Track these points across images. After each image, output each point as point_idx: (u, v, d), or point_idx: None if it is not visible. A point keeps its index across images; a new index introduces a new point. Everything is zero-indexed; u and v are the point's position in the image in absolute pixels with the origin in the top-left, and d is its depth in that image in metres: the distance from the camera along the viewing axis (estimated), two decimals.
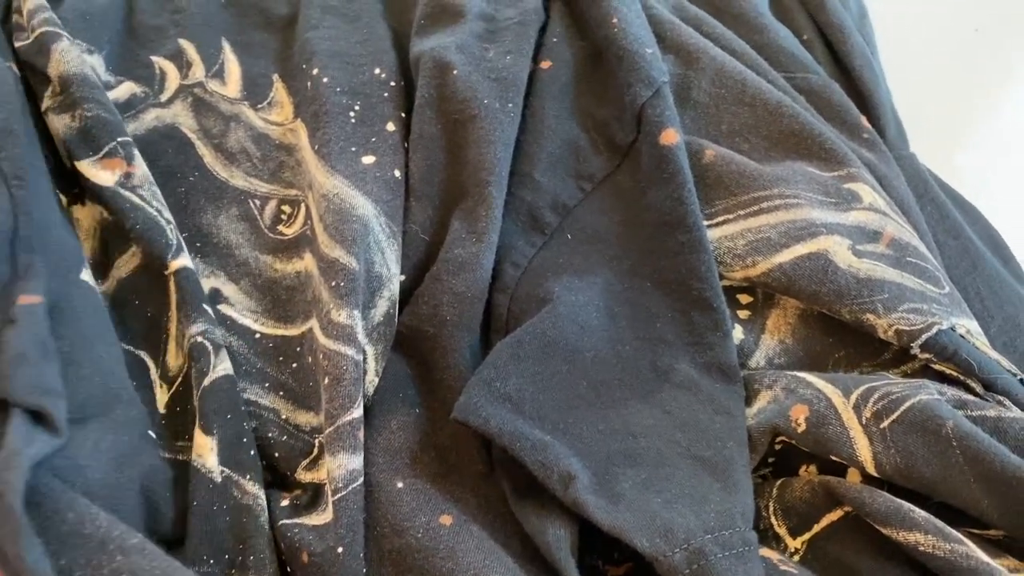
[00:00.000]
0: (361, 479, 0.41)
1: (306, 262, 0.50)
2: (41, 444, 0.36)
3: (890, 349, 0.47)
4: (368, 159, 0.50)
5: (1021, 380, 0.45)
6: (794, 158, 0.52)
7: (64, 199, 0.50)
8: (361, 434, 0.42)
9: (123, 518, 0.36)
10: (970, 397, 0.42)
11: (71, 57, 0.50)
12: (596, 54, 0.54)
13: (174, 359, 0.46)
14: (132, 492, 0.40)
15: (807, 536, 0.42)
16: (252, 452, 0.43)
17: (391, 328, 0.47)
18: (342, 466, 0.41)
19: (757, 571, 0.37)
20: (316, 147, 0.51)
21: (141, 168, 0.49)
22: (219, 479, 0.41)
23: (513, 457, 0.41)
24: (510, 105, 0.51)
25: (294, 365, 0.47)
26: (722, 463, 0.41)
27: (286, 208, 0.53)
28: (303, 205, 0.52)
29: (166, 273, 0.47)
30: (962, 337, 0.45)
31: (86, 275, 0.46)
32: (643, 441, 0.42)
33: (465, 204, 0.49)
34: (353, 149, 0.51)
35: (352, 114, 0.52)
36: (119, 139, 0.49)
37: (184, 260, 0.47)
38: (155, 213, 0.48)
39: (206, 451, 0.42)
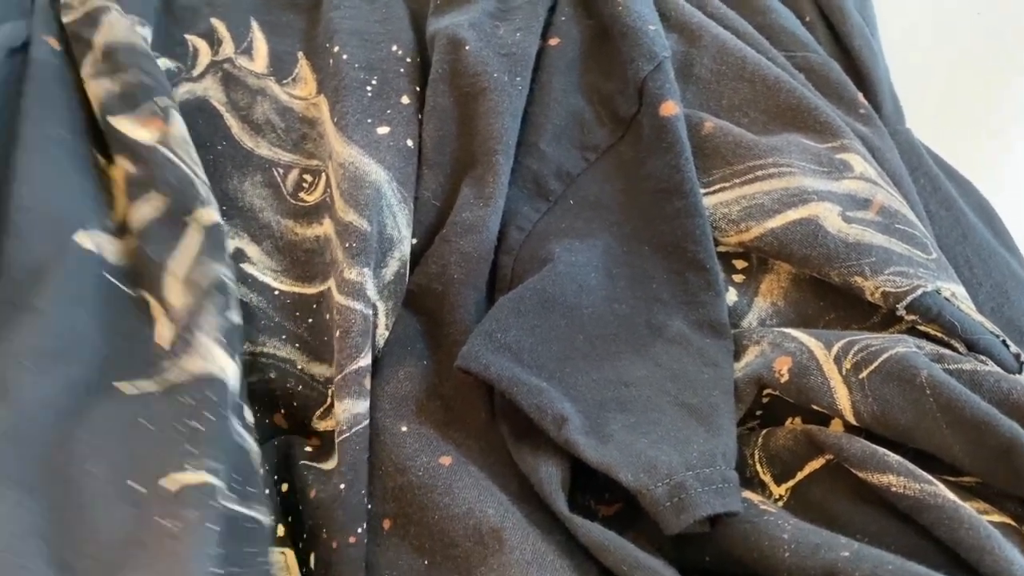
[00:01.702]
0: (365, 423, 0.44)
1: (325, 227, 0.53)
2: None
3: (879, 312, 0.48)
4: (383, 129, 0.53)
5: (1003, 342, 0.46)
6: (790, 131, 0.53)
7: (103, 160, 0.53)
8: (367, 382, 0.45)
9: None
10: (947, 352, 0.43)
11: (120, 27, 0.53)
12: (602, 32, 0.56)
13: (176, 298, 0.46)
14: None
15: (791, 483, 0.43)
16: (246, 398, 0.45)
17: (401, 286, 0.49)
18: (347, 410, 0.44)
19: (735, 506, 0.39)
20: (335, 119, 0.54)
21: (177, 128, 0.51)
22: (238, 400, 0.43)
23: (512, 403, 0.44)
24: (518, 79, 0.53)
25: (310, 320, 0.50)
26: (707, 409, 0.43)
27: (307, 177, 0.55)
28: (323, 175, 0.55)
29: (186, 219, 0.48)
30: (947, 300, 0.47)
31: (90, 241, 0.47)
32: (634, 390, 0.44)
33: (474, 172, 0.52)
34: (369, 121, 0.53)
35: (369, 88, 0.55)
36: (157, 99, 0.52)
37: (216, 215, 0.48)
38: (188, 171, 0.50)
39: (230, 372, 0.42)
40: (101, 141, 0.53)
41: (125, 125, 0.51)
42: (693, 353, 0.46)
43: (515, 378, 0.43)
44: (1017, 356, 0.46)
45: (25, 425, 0.40)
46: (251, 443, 0.43)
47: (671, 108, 0.51)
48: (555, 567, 0.38)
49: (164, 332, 0.46)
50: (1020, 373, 0.46)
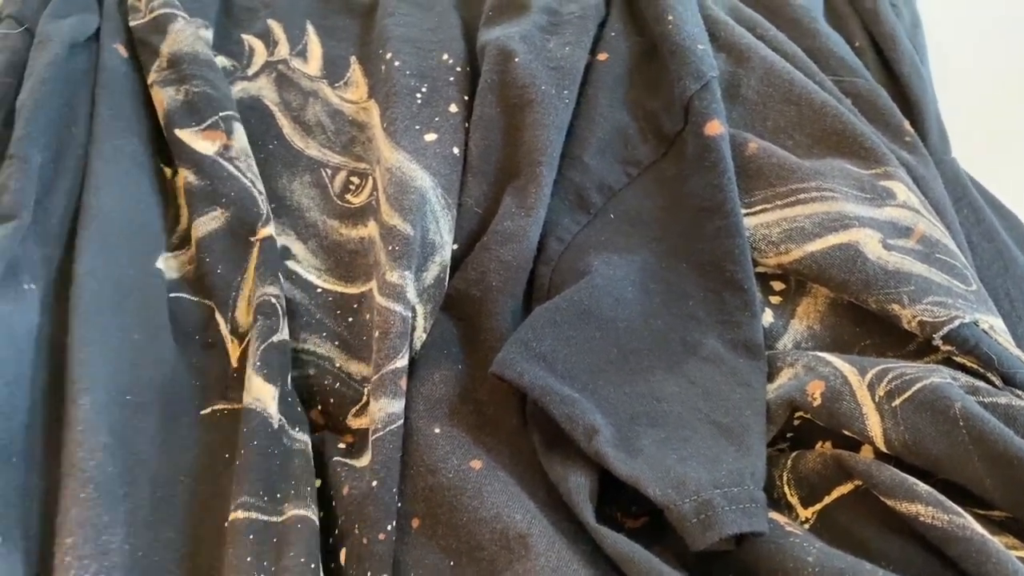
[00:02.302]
0: (400, 422, 0.44)
1: (370, 229, 0.54)
2: None
3: (915, 341, 0.48)
4: (430, 136, 0.54)
5: None
6: (835, 155, 0.53)
7: (168, 171, 0.54)
8: (403, 383, 0.46)
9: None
10: (983, 384, 0.43)
11: (185, 36, 0.55)
12: (651, 50, 0.56)
13: (244, 316, 0.49)
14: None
15: (818, 507, 0.43)
16: (299, 408, 0.47)
17: (441, 291, 0.50)
18: (383, 409, 0.45)
19: (761, 526, 0.39)
20: (384, 124, 0.55)
21: (240, 141, 0.54)
22: (276, 425, 0.44)
23: (543, 412, 0.44)
24: (565, 92, 0.54)
25: (350, 319, 0.51)
26: (738, 429, 0.43)
27: (355, 179, 0.56)
28: (371, 178, 0.56)
29: (252, 239, 0.51)
30: (984, 332, 0.46)
31: (160, 261, 0.50)
32: (665, 406, 0.45)
33: (517, 182, 0.52)
34: (417, 127, 0.54)
35: (419, 95, 0.56)
36: (222, 113, 0.54)
37: (271, 229, 0.51)
38: (249, 184, 0.52)
39: (268, 399, 0.45)
40: (165, 150, 0.55)
41: (189, 137, 0.53)
42: (726, 372, 0.46)
43: (548, 387, 0.44)
44: None
45: (144, 472, 0.43)
46: (299, 445, 0.45)
47: (716, 127, 0.52)
48: (577, 574, 0.39)
49: (233, 352, 0.49)
50: None
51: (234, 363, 0.48)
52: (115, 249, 0.49)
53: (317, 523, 0.42)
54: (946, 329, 0.46)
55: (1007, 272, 0.52)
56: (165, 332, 0.48)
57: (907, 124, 0.56)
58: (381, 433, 0.44)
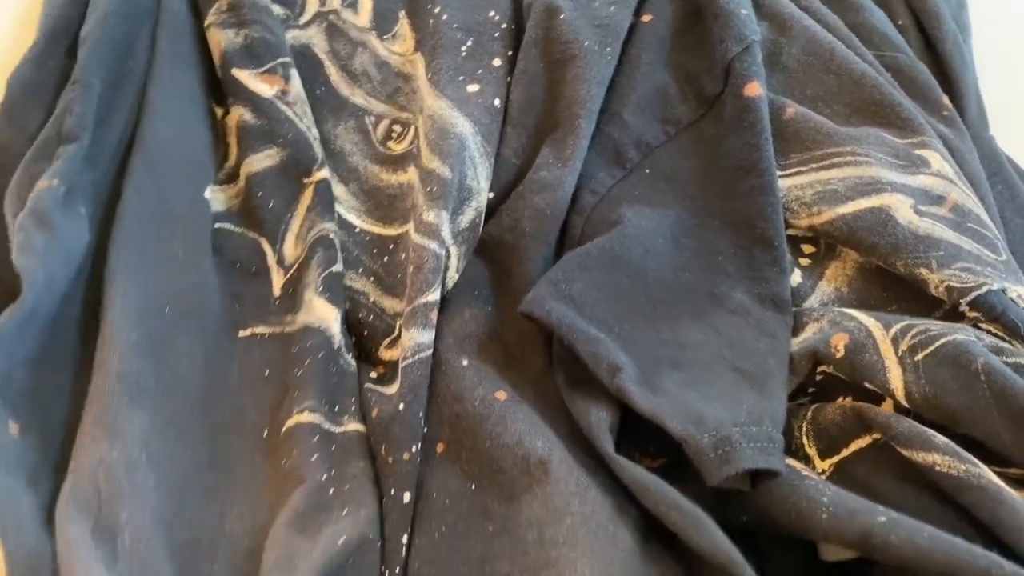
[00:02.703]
0: (428, 352, 0.46)
1: (409, 175, 0.55)
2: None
3: (942, 308, 0.48)
4: (473, 87, 0.55)
5: None
6: (872, 124, 0.53)
7: (220, 111, 0.56)
8: (434, 315, 0.47)
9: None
10: (1007, 345, 0.43)
11: None
12: (695, 12, 0.57)
13: (291, 249, 0.51)
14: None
15: (835, 459, 0.44)
16: (347, 333, 0.49)
17: (475, 234, 0.51)
18: (413, 339, 0.46)
19: (778, 465, 0.39)
20: (430, 75, 0.56)
21: (296, 88, 0.56)
22: (336, 345, 0.47)
23: (569, 352, 0.45)
24: (608, 49, 0.55)
25: (386, 259, 0.52)
26: (760, 375, 0.43)
27: (397, 127, 0.58)
28: (413, 127, 0.57)
29: (306, 180, 0.53)
30: (1012, 300, 0.46)
31: (208, 192, 0.52)
32: (690, 352, 0.45)
33: (556, 134, 0.53)
34: (461, 78, 0.55)
35: (464, 48, 0.57)
36: (280, 59, 0.56)
37: (325, 172, 0.53)
38: (304, 129, 0.54)
39: (331, 320, 0.47)
40: (217, 90, 0.57)
41: (247, 78, 0.55)
42: (752, 324, 0.46)
43: (574, 326, 0.44)
44: None
45: (172, 377, 0.45)
46: (345, 368, 0.47)
47: (755, 89, 0.52)
48: (596, 501, 0.39)
49: (277, 281, 0.50)
50: None
51: (276, 292, 0.50)
52: (165, 175, 0.51)
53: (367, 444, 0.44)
54: (973, 295, 0.46)
55: None
56: (207, 256, 0.50)
57: (946, 99, 0.56)
58: (410, 360, 0.45)
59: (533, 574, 0.38)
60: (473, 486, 0.42)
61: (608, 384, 0.43)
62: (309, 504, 0.40)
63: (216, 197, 0.53)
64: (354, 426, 0.44)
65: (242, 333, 0.48)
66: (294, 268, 0.51)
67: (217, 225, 0.52)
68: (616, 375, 0.43)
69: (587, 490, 0.40)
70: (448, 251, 0.49)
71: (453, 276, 0.50)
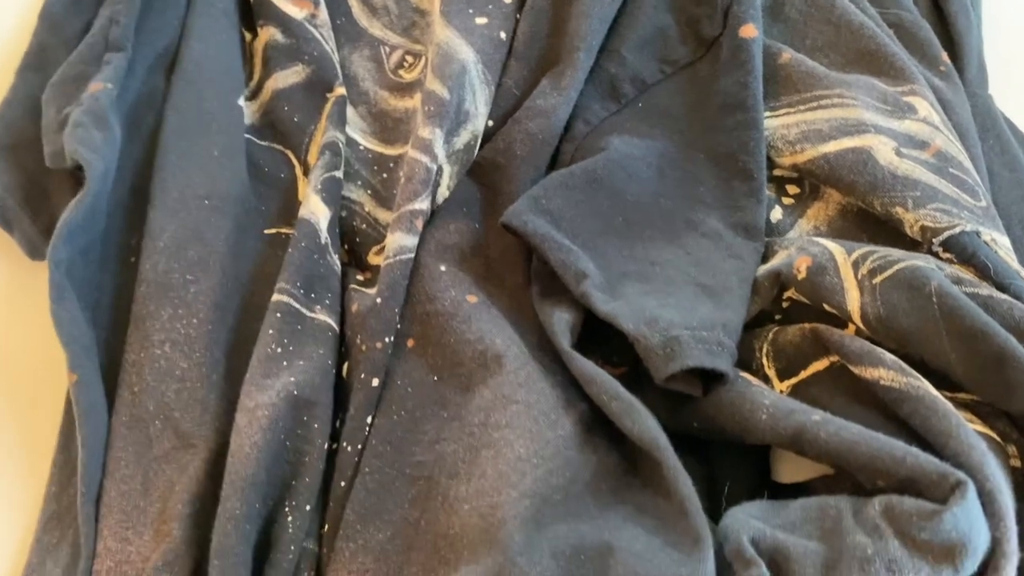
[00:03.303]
0: (410, 255, 0.48)
1: (415, 101, 0.57)
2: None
3: (920, 250, 0.49)
4: (481, 20, 0.57)
5: None
6: (865, 73, 0.54)
7: (248, 36, 0.60)
8: (419, 223, 0.49)
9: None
10: (968, 276, 0.44)
11: None
12: None
13: (314, 158, 0.54)
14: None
15: (793, 381, 0.45)
16: (338, 235, 0.51)
17: (469, 156, 0.53)
18: (396, 241, 0.48)
19: (724, 366, 0.41)
20: (442, 8, 0.58)
21: (324, 14, 0.59)
22: (323, 241, 0.49)
23: (545, 266, 0.47)
24: None
25: (384, 175, 0.54)
26: (720, 290, 0.45)
27: (409, 58, 0.60)
28: (424, 58, 0.59)
29: (328, 95, 0.55)
30: (985, 243, 0.47)
31: (241, 100, 0.56)
32: (658, 268, 0.47)
33: (556, 68, 0.55)
34: (470, 11, 0.57)
35: None
36: None
37: (342, 89, 0.56)
38: (329, 50, 0.57)
39: (321, 217, 0.49)
40: (246, 16, 0.60)
41: (280, 1, 0.58)
42: (722, 247, 0.47)
43: (548, 235, 0.46)
44: None
45: (217, 261, 0.48)
46: (330, 265, 0.49)
47: (751, 31, 0.53)
48: (543, 392, 0.41)
49: (302, 187, 0.54)
50: None
51: (301, 196, 0.53)
52: (202, 86, 0.54)
53: (337, 342, 0.46)
54: (946, 234, 0.46)
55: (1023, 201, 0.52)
56: (242, 156, 0.53)
57: (944, 56, 0.56)
58: (391, 260, 0.47)
59: (475, 452, 0.40)
60: (435, 377, 0.44)
61: (573, 289, 0.44)
62: (258, 370, 0.43)
63: (247, 109, 0.56)
64: (324, 317, 0.46)
65: (268, 231, 0.51)
66: (311, 172, 0.53)
67: (247, 136, 0.55)
68: (581, 282, 0.44)
69: (535, 382, 0.41)
70: (441, 168, 0.51)
71: (444, 192, 0.52)
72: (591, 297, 0.43)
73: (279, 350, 0.44)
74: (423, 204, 0.49)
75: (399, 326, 0.47)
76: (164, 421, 0.44)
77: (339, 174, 0.52)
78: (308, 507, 0.41)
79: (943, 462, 0.34)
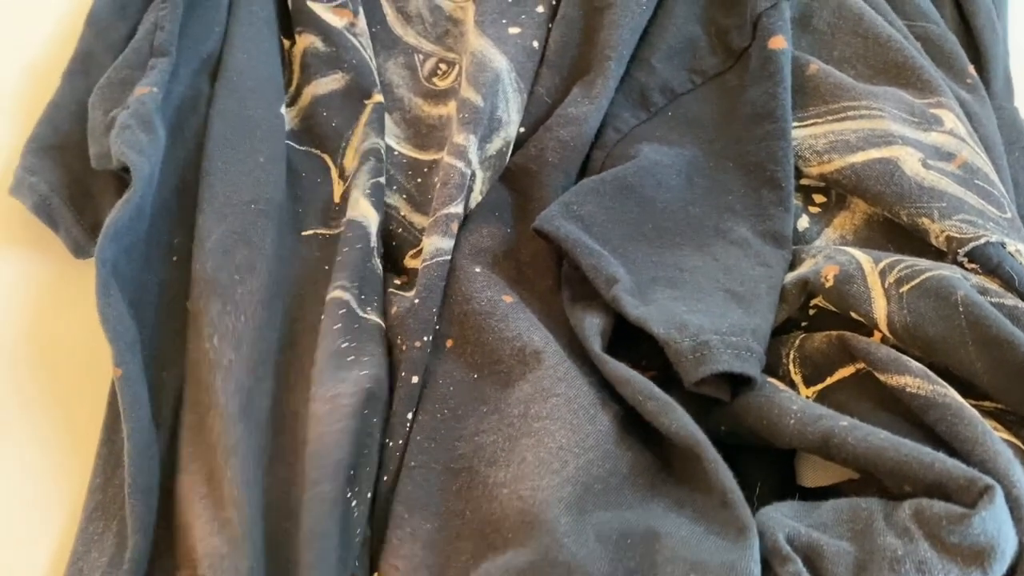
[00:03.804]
0: (446, 257, 0.49)
1: (449, 108, 0.58)
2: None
3: (945, 260, 0.49)
4: (514, 29, 0.58)
5: None
6: (892, 85, 0.55)
7: (287, 43, 0.61)
8: (454, 226, 0.50)
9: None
10: (994, 287, 0.44)
11: None
12: None
13: (349, 162, 0.55)
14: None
15: (819, 387, 0.45)
16: (380, 245, 0.52)
17: (501, 162, 0.54)
18: (433, 244, 0.49)
19: (752, 371, 0.41)
20: (476, 18, 0.59)
21: (362, 22, 0.60)
22: (372, 243, 0.50)
23: (576, 270, 0.47)
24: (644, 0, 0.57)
25: (419, 180, 0.56)
26: (749, 296, 0.45)
27: (443, 66, 0.61)
28: (457, 66, 0.60)
29: (365, 102, 0.57)
30: (1010, 254, 0.47)
31: (283, 109, 0.57)
32: (687, 275, 0.47)
33: (588, 76, 0.56)
34: (504, 21, 0.58)
35: None
36: None
37: (381, 96, 0.57)
38: (368, 58, 0.59)
39: (372, 221, 0.51)
40: (285, 24, 0.61)
41: (320, 9, 0.59)
42: (751, 255, 0.48)
43: (580, 240, 0.47)
44: None
45: (263, 263, 0.50)
46: (379, 270, 0.50)
47: (780, 42, 0.54)
48: (582, 388, 0.42)
49: (337, 191, 0.55)
50: None
51: (336, 199, 0.54)
52: (245, 93, 0.56)
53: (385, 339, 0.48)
54: (971, 245, 0.47)
55: None
56: (283, 162, 0.54)
57: (971, 68, 0.57)
58: (428, 263, 0.48)
59: (514, 441, 0.41)
60: (475, 375, 0.45)
61: (604, 294, 0.45)
62: (330, 362, 0.44)
63: (288, 116, 0.57)
64: (375, 318, 0.48)
65: (305, 232, 0.53)
66: (351, 177, 0.55)
67: (287, 143, 0.56)
68: (612, 286, 0.45)
69: (575, 378, 0.42)
70: (474, 173, 0.52)
71: (477, 197, 0.53)
72: (622, 301, 0.44)
73: (345, 345, 0.45)
74: (458, 208, 0.50)
75: (438, 327, 0.48)
76: (215, 410, 0.45)
77: (382, 179, 0.53)
78: (369, 494, 0.42)
79: (970, 468, 0.35)
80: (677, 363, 0.41)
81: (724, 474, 0.37)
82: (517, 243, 0.52)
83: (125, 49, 0.56)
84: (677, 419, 0.39)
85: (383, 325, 0.48)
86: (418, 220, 0.54)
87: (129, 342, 0.47)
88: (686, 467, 0.40)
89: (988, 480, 0.34)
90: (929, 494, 0.35)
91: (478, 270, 0.49)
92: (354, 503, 0.41)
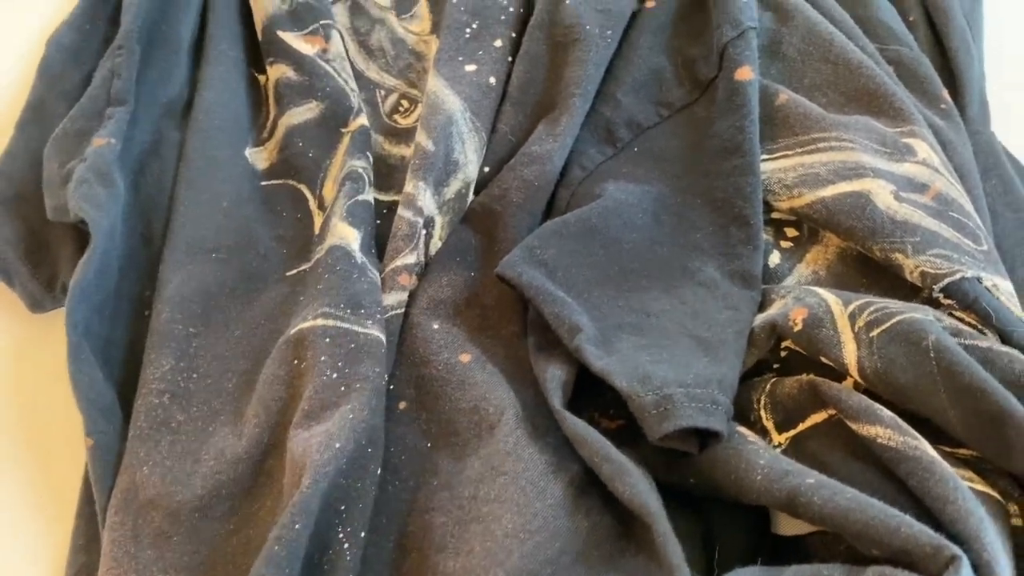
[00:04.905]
0: (398, 311, 0.48)
1: (411, 150, 0.57)
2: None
3: (920, 296, 0.48)
4: (470, 67, 0.56)
5: None
6: (865, 113, 0.53)
7: (262, 78, 0.60)
8: (404, 279, 0.49)
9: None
10: (967, 328, 0.43)
11: None
12: (698, 1, 0.58)
13: (329, 192, 0.54)
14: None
15: (792, 433, 0.44)
16: (374, 255, 0.51)
17: (462, 204, 0.52)
18: (384, 300, 0.48)
19: (718, 425, 0.40)
20: (435, 55, 0.58)
21: (336, 47, 0.59)
22: (359, 260, 0.49)
23: (542, 319, 0.46)
24: (609, 33, 0.56)
25: (378, 222, 0.54)
26: (715, 343, 0.44)
27: (404, 103, 0.60)
28: (419, 104, 0.59)
29: (343, 131, 0.55)
30: (986, 289, 0.46)
31: (248, 150, 0.56)
32: (653, 320, 0.46)
33: (552, 113, 0.54)
34: (460, 59, 0.57)
35: (468, 31, 0.59)
36: (322, 21, 0.59)
37: (362, 119, 0.56)
38: (343, 83, 0.57)
39: (351, 239, 0.49)
40: (257, 56, 0.60)
41: (291, 39, 0.59)
42: (718, 297, 0.47)
43: (542, 288, 0.45)
44: None
45: (220, 313, 0.49)
46: (373, 280, 0.48)
47: (747, 73, 0.52)
48: (531, 459, 0.41)
49: (318, 222, 0.53)
50: None
51: (316, 230, 0.53)
52: (212, 133, 0.55)
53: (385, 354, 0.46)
54: (946, 281, 0.45)
55: None
56: (250, 205, 0.53)
57: (945, 93, 0.55)
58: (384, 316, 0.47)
59: (464, 526, 0.40)
60: (428, 444, 0.44)
61: (567, 343, 0.44)
62: (316, 400, 0.42)
63: (258, 156, 0.56)
64: (376, 332, 0.46)
65: (289, 273, 0.51)
66: (329, 206, 0.53)
67: (264, 183, 0.55)
68: (575, 336, 0.43)
69: (524, 448, 0.41)
70: (432, 219, 0.51)
71: (436, 243, 0.51)
72: (585, 352, 0.43)
73: (335, 376, 0.43)
74: (408, 259, 0.49)
75: (391, 386, 0.46)
76: (152, 468, 0.44)
77: (364, 197, 0.52)
78: (362, 533, 0.40)
79: (938, 533, 0.33)
80: (640, 418, 0.40)
81: (673, 550, 0.36)
82: (481, 288, 0.50)
83: (80, 97, 0.55)
84: (631, 485, 0.38)
85: (383, 339, 0.46)
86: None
87: (102, 408, 0.46)
88: (641, 533, 0.38)
89: (955, 549, 0.32)
90: (895, 559, 0.34)
91: (436, 326, 0.48)
92: (345, 544, 0.39)
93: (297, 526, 0.36)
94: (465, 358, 0.46)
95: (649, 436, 0.40)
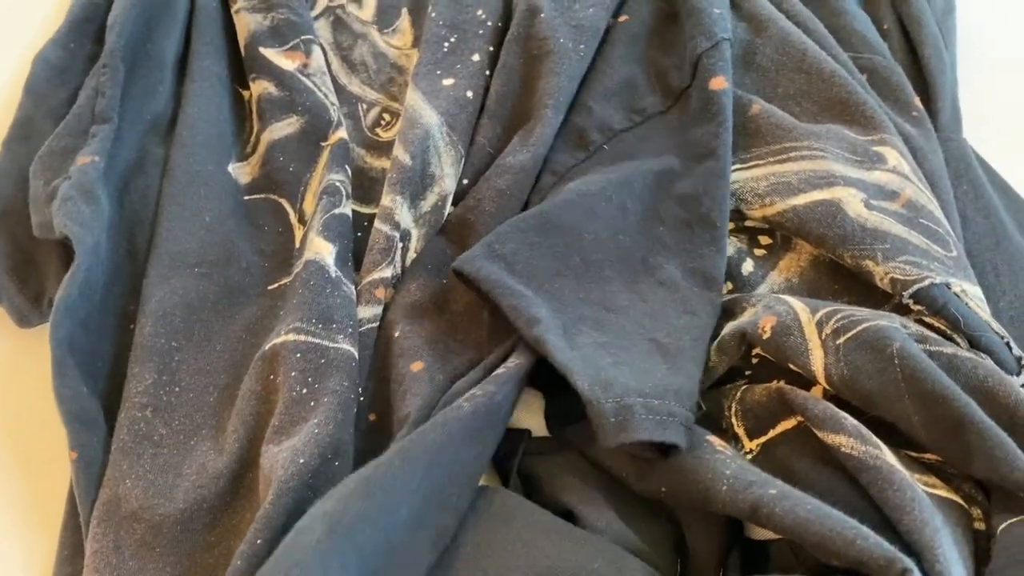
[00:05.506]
0: (372, 325, 0.48)
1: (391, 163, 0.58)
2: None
3: (891, 302, 0.48)
4: (448, 81, 0.57)
5: (1008, 344, 0.45)
6: (837, 122, 0.53)
7: (247, 94, 0.60)
8: (379, 292, 0.49)
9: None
10: (933, 335, 0.43)
11: None
12: (671, 15, 0.57)
13: (309, 206, 0.54)
14: None
15: (762, 439, 0.44)
16: (350, 268, 0.51)
17: (438, 217, 0.53)
18: (359, 313, 0.48)
19: (675, 439, 0.40)
20: (414, 69, 0.58)
21: (317, 61, 0.59)
22: (333, 275, 0.49)
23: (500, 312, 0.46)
24: (582, 47, 0.56)
25: (359, 233, 0.54)
26: (674, 350, 0.44)
27: (386, 116, 0.60)
28: (400, 117, 0.60)
29: (323, 144, 0.56)
30: (955, 295, 0.46)
31: (231, 165, 0.56)
32: (613, 316, 0.46)
33: (528, 125, 0.55)
34: (438, 72, 0.57)
35: (446, 45, 0.59)
36: (303, 37, 0.60)
37: (342, 132, 0.56)
38: (322, 97, 0.58)
39: (326, 253, 0.49)
40: (241, 72, 0.60)
41: (272, 55, 0.59)
42: (677, 299, 0.47)
43: (499, 281, 0.45)
44: (1019, 359, 0.45)
45: (202, 328, 0.49)
46: (347, 294, 0.48)
47: (721, 83, 0.53)
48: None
49: (298, 235, 0.54)
50: (1019, 375, 0.45)
51: (297, 244, 0.53)
52: (195, 149, 0.55)
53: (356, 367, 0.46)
54: (916, 287, 0.45)
55: (998, 247, 0.51)
56: (232, 220, 0.53)
57: (917, 101, 0.55)
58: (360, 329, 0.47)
59: None
60: None
61: (526, 335, 0.43)
62: (285, 416, 0.43)
63: (241, 171, 0.56)
64: (347, 347, 0.46)
65: (271, 287, 0.51)
66: (309, 220, 0.53)
67: (247, 197, 0.55)
68: (534, 326, 0.43)
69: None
70: (409, 234, 0.51)
71: (411, 255, 0.52)
72: (547, 343, 0.42)
73: (304, 391, 0.44)
74: (384, 273, 0.50)
75: (362, 399, 0.47)
76: (135, 480, 0.44)
77: (341, 210, 0.52)
78: None
79: (891, 546, 0.34)
80: (597, 425, 0.40)
81: None
82: (451, 294, 0.51)
83: (66, 115, 0.55)
84: None
85: (355, 353, 0.46)
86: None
87: (86, 422, 0.46)
88: None
89: (906, 562, 0.32)
90: (851, 570, 0.34)
91: (397, 334, 0.48)
92: None
93: (259, 541, 0.37)
94: (417, 367, 0.46)
95: (603, 442, 0.40)
